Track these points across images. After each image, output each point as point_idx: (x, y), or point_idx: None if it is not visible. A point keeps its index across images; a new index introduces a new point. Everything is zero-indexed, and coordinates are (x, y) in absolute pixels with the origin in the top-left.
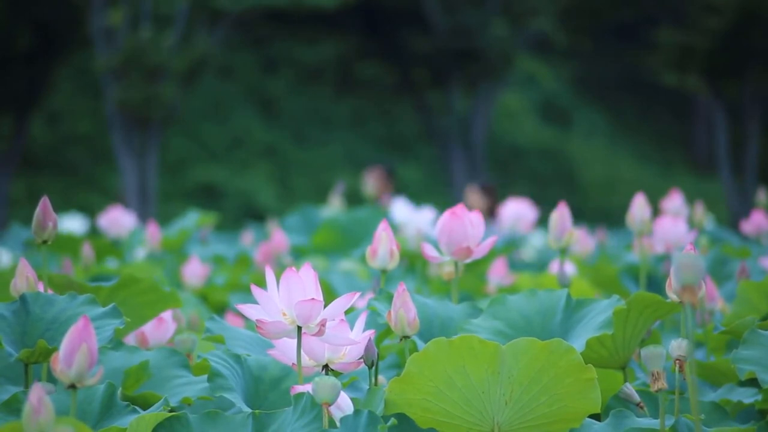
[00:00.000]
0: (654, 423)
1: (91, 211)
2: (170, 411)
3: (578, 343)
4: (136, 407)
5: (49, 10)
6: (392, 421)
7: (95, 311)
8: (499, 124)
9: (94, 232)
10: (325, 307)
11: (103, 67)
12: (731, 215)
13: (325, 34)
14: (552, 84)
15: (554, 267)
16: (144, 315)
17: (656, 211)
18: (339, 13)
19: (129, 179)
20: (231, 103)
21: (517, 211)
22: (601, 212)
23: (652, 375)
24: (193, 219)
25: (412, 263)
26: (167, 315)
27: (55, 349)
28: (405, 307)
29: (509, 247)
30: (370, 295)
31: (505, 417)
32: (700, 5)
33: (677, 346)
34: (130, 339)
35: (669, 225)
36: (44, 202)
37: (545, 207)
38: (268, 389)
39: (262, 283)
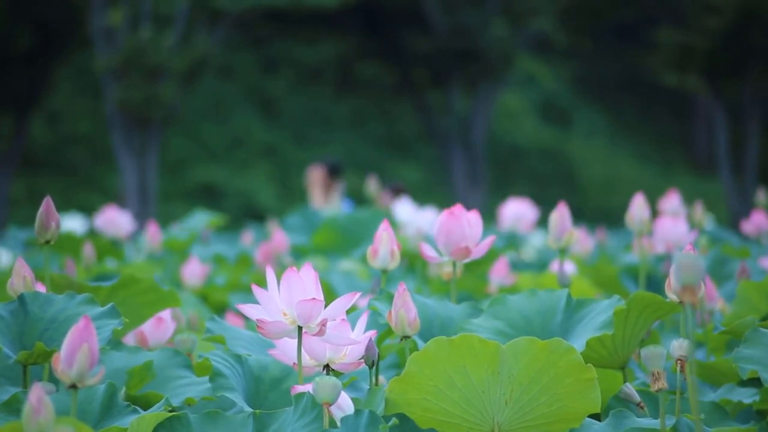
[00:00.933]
0: (654, 423)
1: (91, 211)
2: (171, 411)
3: (578, 343)
4: (136, 407)
5: (49, 10)
6: (393, 420)
7: (94, 311)
8: (499, 124)
9: (93, 232)
10: (325, 307)
11: (103, 67)
12: (731, 215)
13: (325, 34)
14: (552, 84)
15: (554, 267)
16: (143, 315)
17: (656, 212)
18: (339, 13)
19: (129, 179)
20: (231, 103)
21: (517, 211)
22: (601, 212)
23: (653, 375)
24: (201, 220)
25: (412, 263)
26: (166, 315)
27: (54, 350)
28: (405, 307)
29: (508, 246)
30: (370, 296)
31: (505, 417)
32: (700, 5)
33: (678, 346)
34: (130, 339)
35: (669, 225)
36: (47, 203)
37: (545, 207)
38: (268, 389)
39: (262, 283)
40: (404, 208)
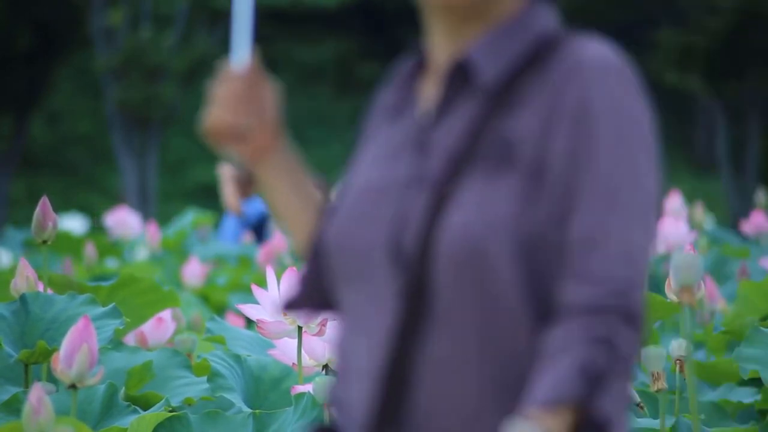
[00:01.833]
0: (654, 423)
1: (91, 211)
2: (171, 411)
3: None
4: (136, 407)
5: (49, 10)
6: None
7: (95, 311)
8: None
9: (93, 232)
10: None
11: (103, 67)
12: (731, 215)
13: (325, 34)
14: None
15: None
16: (144, 315)
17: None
18: (339, 13)
19: (129, 179)
20: None
21: None
22: None
23: (652, 375)
24: (189, 219)
25: None
26: (166, 315)
27: (55, 349)
28: None
29: None
30: None
31: None
32: (701, 5)
33: (677, 346)
34: (130, 339)
35: (670, 225)
36: (44, 202)
37: None
38: (268, 389)
39: (263, 284)
40: None
